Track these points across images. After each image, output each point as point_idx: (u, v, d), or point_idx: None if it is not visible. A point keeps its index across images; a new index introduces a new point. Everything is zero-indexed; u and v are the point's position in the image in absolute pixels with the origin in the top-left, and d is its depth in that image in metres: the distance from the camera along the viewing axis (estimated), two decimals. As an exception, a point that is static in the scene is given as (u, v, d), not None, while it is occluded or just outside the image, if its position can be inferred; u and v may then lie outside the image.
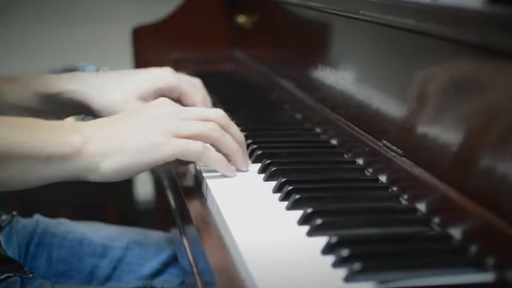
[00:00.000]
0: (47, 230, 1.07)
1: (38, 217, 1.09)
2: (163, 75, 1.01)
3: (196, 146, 0.79)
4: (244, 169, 0.84)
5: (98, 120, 0.82)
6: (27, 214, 1.10)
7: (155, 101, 0.84)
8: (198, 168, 0.86)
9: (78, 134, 0.76)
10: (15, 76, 1.03)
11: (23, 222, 1.07)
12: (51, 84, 0.99)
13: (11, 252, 1.00)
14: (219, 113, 0.83)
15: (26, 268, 0.93)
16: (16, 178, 0.75)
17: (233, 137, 0.83)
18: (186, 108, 0.86)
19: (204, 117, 0.82)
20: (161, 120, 0.80)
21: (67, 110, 1.02)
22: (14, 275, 0.91)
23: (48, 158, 0.74)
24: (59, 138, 0.75)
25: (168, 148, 0.78)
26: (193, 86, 1.02)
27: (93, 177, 0.77)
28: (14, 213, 1.06)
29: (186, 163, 0.88)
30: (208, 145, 0.80)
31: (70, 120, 0.91)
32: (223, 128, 0.82)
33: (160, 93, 0.98)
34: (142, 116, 0.81)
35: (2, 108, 0.96)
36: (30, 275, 0.92)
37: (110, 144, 0.77)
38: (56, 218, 1.11)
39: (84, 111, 1.01)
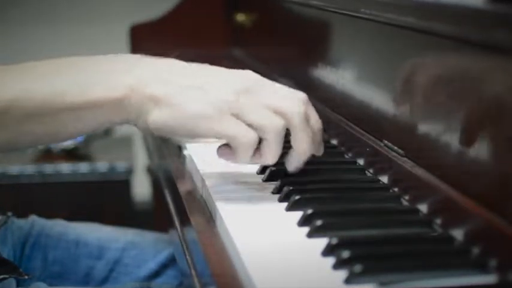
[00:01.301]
0: (43, 231, 1.07)
1: (33, 218, 1.09)
2: None
3: (246, 137, 0.71)
4: (268, 162, 0.75)
5: (158, 62, 0.75)
6: (23, 215, 1.10)
7: (239, 70, 0.77)
8: (196, 168, 0.86)
9: (132, 76, 0.71)
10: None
11: (18, 223, 1.07)
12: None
13: (6, 253, 1.00)
14: (299, 109, 0.74)
15: (21, 270, 0.93)
16: (63, 129, 0.71)
17: (298, 141, 0.74)
18: (267, 88, 0.75)
19: (279, 110, 0.73)
20: (229, 94, 0.72)
21: None
22: (9, 277, 0.91)
23: (96, 104, 0.70)
24: (109, 81, 0.71)
25: (216, 126, 0.71)
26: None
27: (140, 123, 0.72)
28: (9, 213, 1.06)
29: None
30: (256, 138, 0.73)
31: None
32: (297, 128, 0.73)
33: None
34: (213, 79, 0.74)
35: None
36: (26, 277, 0.92)
37: (163, 95, 0.71)
38: (52, 218, 1.11)
39: None
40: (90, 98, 0.70)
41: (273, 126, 0.72)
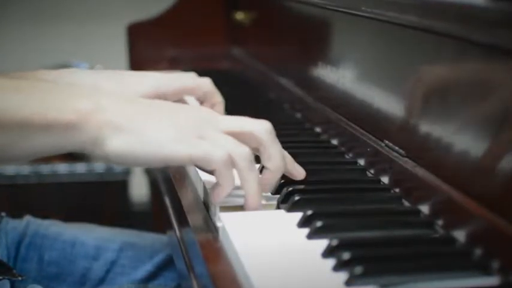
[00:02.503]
0: (38, 231, 1.07)
1: (28, 218, 1.09)
2: (169, 79, 0.94)
3: (218, 153, 0.69)
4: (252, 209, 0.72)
5: (120, 94, 0.74)
6: (19, 216, 1.10)
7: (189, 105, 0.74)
8: (195, 169, 0.86)
9: (90, 101, 0.68)
10: (7, 72, 1.02)
11: (13, 223, 1.07)
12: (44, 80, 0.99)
13: (0, 254, 1.00)
14: (266, 126, 0.73)
15: (15, 271, 0.92)
16: (11, 147, 0.68)
17: (271, 157, 0.73)
18: (227, 118, 0.75)
19: (243, 130, 0.72)
20: (192, 120, 0.71)
21: None
22: (3, 278, 0.91)
23: (49, 126, 0.67)
24: (65, 104, 0.68)
25: (186, 148, 0.69)
26: (212, 86, 0.96)
27: (97, 152, 0.68)
28: (3, 213, 1.05)
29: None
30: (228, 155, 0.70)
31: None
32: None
33: (165, 98, 0.88)
34: (173, 109, 0.73)
35: None
36: (20, 278, 0.92)
37: (124, 121, 0.68)
38: (47, 219, 1.11)
39: None
40: (41, 118, 0.68)
41: (240, 150, 0.70)
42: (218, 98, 0.97)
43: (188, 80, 0.99)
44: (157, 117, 0.70)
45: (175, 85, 0.96)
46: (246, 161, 0.70)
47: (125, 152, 0.68)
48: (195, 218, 0.77)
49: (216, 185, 0.72)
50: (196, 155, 0.69)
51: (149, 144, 0.68)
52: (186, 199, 0.83)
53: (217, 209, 0.73)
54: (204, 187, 0.80)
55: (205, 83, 0.99)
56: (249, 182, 0.71)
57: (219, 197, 0.72)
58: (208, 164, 0.69)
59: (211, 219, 0.75)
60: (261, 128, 0.73)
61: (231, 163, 0.70)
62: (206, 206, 0.78)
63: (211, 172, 0.74)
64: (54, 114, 0.67)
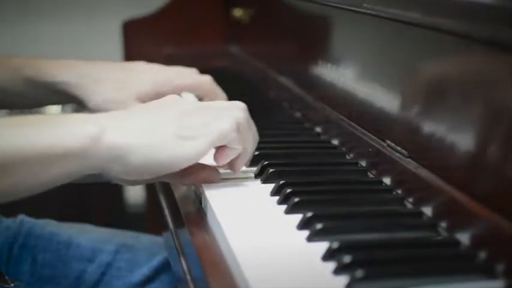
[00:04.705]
0: (32, 232, 1.06)
1: (22, 217, 1.09)
2: (170, 79, 0.97)
3: (227, 124, 0.74)
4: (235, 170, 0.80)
5: (112, 112, 0.77)
6: (11, 214, 1.10)
7: (169, 97, 0.78)
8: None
9: (93, 124, 0.71)
10: (6, 56, 1.03)
11: (6, 222, 1.07)
12: (43, 71, 0.99)
13: (-8, 254, 1.00)
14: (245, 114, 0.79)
15: (7, 277, 0.92)
16: (33, 180, 0.70)
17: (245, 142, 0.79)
18: (208, 103, 0.80)
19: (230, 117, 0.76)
20: (193, 112, 0.75)
21: (56, 98, 1.01)
22: (-5, 286, 0.90)
23: (66, 153, 0.69)
24: (74, 130, 0.70)
25: (202, 141, 0.73)
26: (213, 85, 0.99)
27: (115, 171, 0.72)
28: (-4, 213, 1.05)
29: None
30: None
31: (56, 109, 0.86)
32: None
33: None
34: (171, 109, 0.76)
35: None
36: (12, 284, 0.92)
37: (130, 134, 0.71)
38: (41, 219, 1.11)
39: (76, 102, 1.00)
40: (58, 147, 0.69)
41: (241, 116, 0.76)
42: (221, 96, 0.98)
43: (189, 78, 0.99)
44: (161, 124, 0.73)
45: (176, 84, 0.96)
46: (245, 120, 0.76)
47: (143, 164, 0.71)
48: (191, 220, 0.77)
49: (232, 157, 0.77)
50: (211, 140, 0.73)
51: (166, 150, 0.71)
52: (183, 200, 0.83)
53: (215, 208, 0.73)
54: (201, 187, 0.80)
55: (206, 82, 0.99)
56: (248, 139, 0.77)
57: (241, 165, 0.79)
58: (225, 139, 0.75)
59: (207, 220, 0.75)
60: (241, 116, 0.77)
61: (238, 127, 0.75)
62: (202, 205, 0.78)
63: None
64: (68, 142, 0.69)
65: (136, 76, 0.99)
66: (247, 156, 0.79)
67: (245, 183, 0.82)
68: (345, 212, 0.74)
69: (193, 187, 0.83)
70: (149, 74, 1.00)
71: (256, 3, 1.49)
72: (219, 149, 0.77)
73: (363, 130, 0.91)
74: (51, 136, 0.69)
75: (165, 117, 0.74)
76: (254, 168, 0.85)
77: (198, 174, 0.79)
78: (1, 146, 0.67)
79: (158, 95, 0.90)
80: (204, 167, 0.79)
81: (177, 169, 0.73)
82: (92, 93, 0.97)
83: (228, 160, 0.78)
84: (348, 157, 0.92)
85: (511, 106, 0.63)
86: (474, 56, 0.69)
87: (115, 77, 0.98)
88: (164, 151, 0.72)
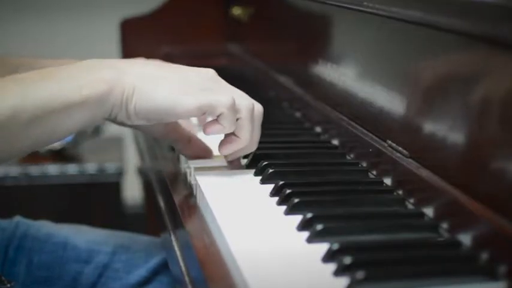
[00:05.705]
0: (28, 233, 1.06)
1: (18, 219, 1.09)
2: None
3: (224, 98, 0.80)
4: (224, 153, 0.85)
5: (132, 61, 0.86)
6: (7, 216, 1.10)
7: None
8: (190, 169, 0.86)
9: (111, 69, 0.78)
10: (3, 56, 1.03)
11: (2, 224, 1.07)
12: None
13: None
14: (249, 102, 0.84)
15: (3, 278, 0.92)
16: (60, 128, 0.75)
17: (243, 130, 0.83)
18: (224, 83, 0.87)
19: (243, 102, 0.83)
20: (199, 77, 0.82)
21: None
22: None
23: (85, 101, 0.75)
24: (92, 78, 0.77)
25: (194, 98, 0.79)
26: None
27: (122, 114, 0.78)
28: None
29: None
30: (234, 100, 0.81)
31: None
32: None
33: None
34: (181, 69, 0.83)
35: None
36: (8, 285, 0.92)
37: (139, 82, 0.78)
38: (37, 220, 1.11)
39: None
40: (78, 96, 0.75)
41: (245, 102, 0.82)
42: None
43: None
44: (168, 76, 0.81)
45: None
46: (249, 111, 0.82)
47: (142, 109, 0.78)
48: (190, 220, 0.77)
49: (222, 141, 0.83)
50: (203, 103, 0.79)
51: (162, 99, 0.78)
52: (181, 200, 0.83)
53: (214, 209, 0.73)
54: (198, 186, 0.80)
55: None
56: (245, 128, 0.82)
57: (230, 150, 0.84)
58: (215, 109, 0.80)
59: (206, 221, 0.75)
60: (244, 103, 0.82)
61: (236, 110, 0.81)
62: (201, 206, 0.78)
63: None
64: (88, 89, 0.76)
65: None
66: (240, 145, 0.83)
67: (244, 183, 0.82)
68: (345, 212, 0.74)
69: (193, 187, 0.84)
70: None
71: (256, 1, 1.49)
72: (226, 136, 0.83)
73: (363, 130, 0.91)
74: (73, 86, 0.76)
75: (174, 72, 0.82)
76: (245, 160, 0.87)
77: (195, 144, 0.88)
78: (33, 98, 0.73)
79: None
80: (201, 142, 0.88)
81: (175, 117, 0.81)
82: None
83: (231, 151, 0.83)
84: (348, 157, 0.92)
85: (513, 105, 0.63)
86: (476, 55, 0.69)
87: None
88: (166, 99, 0.78)
